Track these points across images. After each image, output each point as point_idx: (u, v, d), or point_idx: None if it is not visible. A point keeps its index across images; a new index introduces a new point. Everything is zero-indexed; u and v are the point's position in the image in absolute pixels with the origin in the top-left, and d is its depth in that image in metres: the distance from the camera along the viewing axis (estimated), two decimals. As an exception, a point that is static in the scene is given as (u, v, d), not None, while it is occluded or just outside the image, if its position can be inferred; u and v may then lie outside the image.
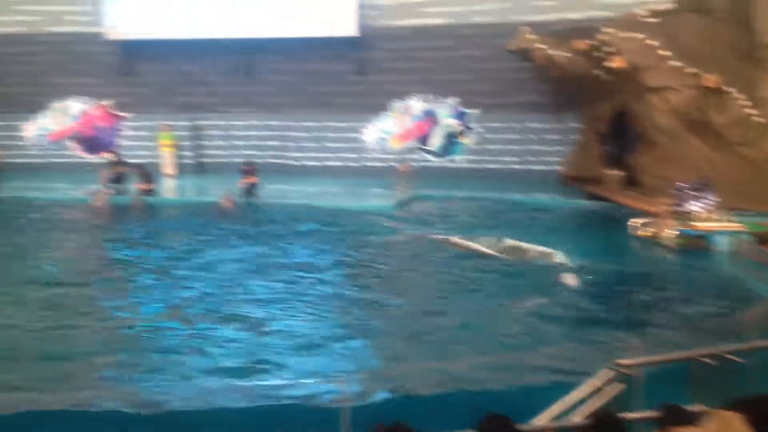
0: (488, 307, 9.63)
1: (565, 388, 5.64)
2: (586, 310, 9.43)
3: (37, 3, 23.33)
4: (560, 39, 18.81)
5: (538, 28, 19.54)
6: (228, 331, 8.69)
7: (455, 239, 13.27)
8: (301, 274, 11.32)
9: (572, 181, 19.44)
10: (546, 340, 8.11)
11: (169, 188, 20.22)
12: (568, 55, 18.04)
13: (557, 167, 20.25)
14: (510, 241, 12.74)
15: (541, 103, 20.94)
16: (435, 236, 13.83)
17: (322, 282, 10.97)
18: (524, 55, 19.39)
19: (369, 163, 21.98)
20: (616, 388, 5.73)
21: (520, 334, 8.42)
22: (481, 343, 8.23)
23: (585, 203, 17.46)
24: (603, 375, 5.82)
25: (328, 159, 22.24)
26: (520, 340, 8.19)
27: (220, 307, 9.61)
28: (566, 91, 19.85)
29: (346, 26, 22.04)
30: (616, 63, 16.64)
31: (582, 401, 5.53)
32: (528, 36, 18.95)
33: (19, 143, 22.70)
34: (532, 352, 7.35)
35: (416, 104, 21.49)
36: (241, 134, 22.81)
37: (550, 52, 18.46)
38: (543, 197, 18.02)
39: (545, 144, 21.00)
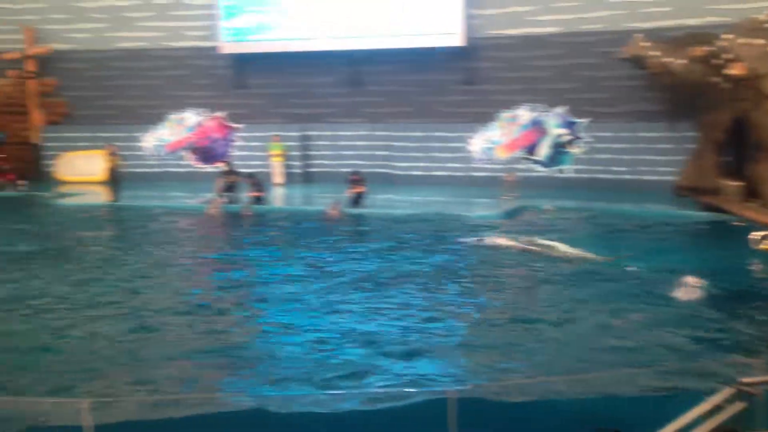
0: (602, 316, 9.44)
1: (686, 404, 5.45)
2: (706, 326, 9.06)
3: (158, 19, 24.43)
4: (675, 46, 18.23)
5: (651, 34, 19.02)
6: (340, 339, 8.77)
7: (507, 241, 13.81)
8: (407, 282, 11.34)
9: (687, 192, 18.74)
10: (665, 356, 7.85)
11: (278, 197, 20.72)
12: (684, 62, 17.46)
13: (670, 177, 19.57)
14: (544, 241, 13.46)
15: (654, 111, 20.32)
16: (487, 240, 14.10)
17: (428, 289, 10.96)
18: (637, 62, 18.89)
19: (475, 173, 21.89)
20: (737, 407, 5.51)
21: (639, 347, 8.19)
22: (599, 355, 8.05)
23: (700, 215, 16.80)
24: (724, 393, 5.61)
25: (434, 169, 22.26)
26: (639, 354, 7.96)
27: (331, 314, 9.73)
28: (681, 99, 19.18)
29: (452, 36, 22.05)
30: (735, 70, 16.00)
31: (702, 419, 5.35)
32: (642, 43, 18.46)
33: (139, 153, 23.87)
34: (651, 368, 7.13)
35: (524, 114, 21.35)
36: (348, 144, 23.15)
37: (665, 59, 17.92)
38: (656, 208, 17.45)
39: (658, 153, 20.34)
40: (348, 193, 18.09)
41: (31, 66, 24.54)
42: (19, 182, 22.53)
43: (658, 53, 18.16)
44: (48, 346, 8.56)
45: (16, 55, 24.29)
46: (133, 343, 8.69)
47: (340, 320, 9.48)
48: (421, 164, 22.38)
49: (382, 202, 18.67)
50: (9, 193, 21.89)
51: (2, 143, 23.72)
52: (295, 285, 11.24)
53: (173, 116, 23.82)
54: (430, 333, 8.91)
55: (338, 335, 8.85)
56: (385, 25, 22.46)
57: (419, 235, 15.05)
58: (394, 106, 23.27)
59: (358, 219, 17.26)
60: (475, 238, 14.25)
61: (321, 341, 8.65)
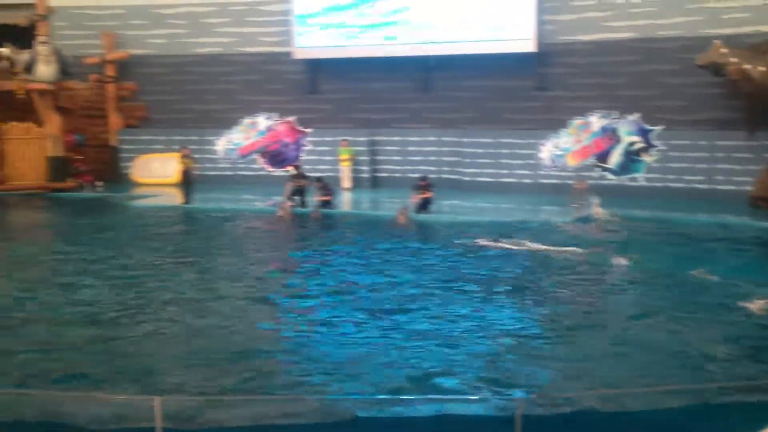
0: (675, 325, 9.27)
1: None
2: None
3: (234, 25, 24.95)
4: (754, 52, 17.71)
5: (730, 41, 18.51)
6: (409, 342, 8.78)
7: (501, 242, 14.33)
8: (472, 288, 11.28)
9: (762, 203, 18.16)
10: (737, 371, 7.64)
11: (346, 201, 20.88)
12: (764, 69, 16.94)
13: (748, 188, 18.98)
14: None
15: (732, 119, 19.75)
16: (482, 241, 14.46)
17: (497, 296, 10.88)
18: (715, 69, 18.41)
19: (544, 180, 21.64)
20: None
21: (720, 360, 8.05)
22: (679, 367, 7.92)
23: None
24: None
25: (502, 175, 22.09)
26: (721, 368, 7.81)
27: (400, 317, 9.74)
28: (760, 107, 18.61)
29: (524, 42, 21.88)
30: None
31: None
32: (721, 50, 17.98)
33: (212, 156, 24.38)
34: (727, 384, 6.98)
35: (596, 121, 21.02)
36: (416, 150, 23.19)
37: (744, 66, 17.42)
38: (731, 219, 16.93)
39: (735, 162, 19.75)
40: (414, 198, 18.09)
41: (110, 70, 25.33)
42: (97, 183, 23.28)
43: (736, 60, 17.68)
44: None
45: (96, 60, 25.11)
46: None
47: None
48: (490, 170, 22.24)
49: (448, 208, 18.63)
50: (87, 194, 22.62)
51: (81, 145, 24.54)
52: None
53: (246, 120, 24.26)
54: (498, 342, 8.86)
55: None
56: (458, 30, 22.45)
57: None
58: (463, 111, 23.24)
59: (426, 225, 17.25)
60: (470, 241, 14.59)
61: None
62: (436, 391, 7.19)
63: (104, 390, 7.12)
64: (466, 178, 22.45)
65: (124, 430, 6.24)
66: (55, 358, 8.28)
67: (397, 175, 23.13)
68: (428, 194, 18.15)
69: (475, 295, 10.94)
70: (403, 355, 8.29)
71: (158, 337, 9.10)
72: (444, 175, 22.30)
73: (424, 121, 23.69)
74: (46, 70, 22.70)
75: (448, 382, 7.46)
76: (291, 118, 23.91)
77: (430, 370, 7.80)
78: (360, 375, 7.72)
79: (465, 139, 22.56)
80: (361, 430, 6.45)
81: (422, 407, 6.65)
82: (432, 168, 22.14)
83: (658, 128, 20.51)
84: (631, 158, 20.78)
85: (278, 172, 23.67)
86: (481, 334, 9.05)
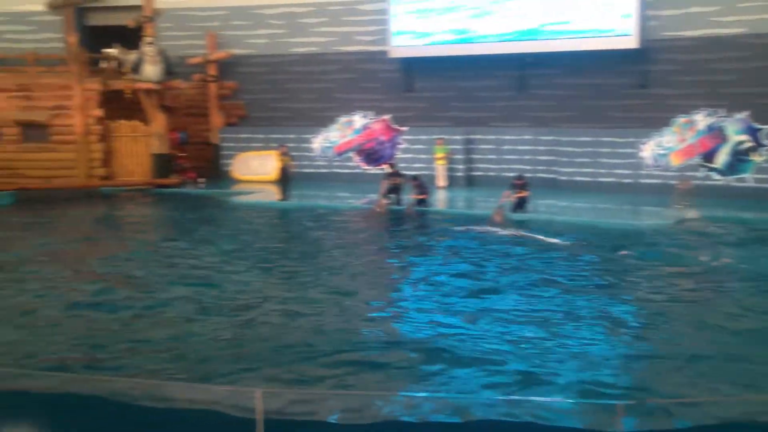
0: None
1: None
2: None
3: (331, 25, 25.26)
4: None
5: None
6: (504, 344, 8.67)
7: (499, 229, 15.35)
8: (574, 290, 11.04)
9: None
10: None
11: (441, 199, 20.82)
12: None
13: None
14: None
15: None
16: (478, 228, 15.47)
17: (593, 298, 10.62)
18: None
19: (645, 180, 20.98)
20: None
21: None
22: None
23: None
24: None
25: (600, 175, 21.55)
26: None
27: (498, 318, 9.65)
28: None
29: (626, 38, 21.30)
30: None
31: None
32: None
33: (308, 154, 24.75)
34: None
35: (702, 119, 20.24)
36: (511, 148, 22.90)
37: None
38: None
39: None
40: (506, 197, 17.80)
41: (212, 70, 26.07)
42: (199, 180, 24.00)
43: None
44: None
45: (199, 60, 25.89)
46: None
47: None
48: (588, 170, 21.73)
49: (544, 208, 18.32)
50: (189, 190, 23.35)
51: (184, 143, 25.34)
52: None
53: (342, 119, 24.52)
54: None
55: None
56: (556, 27, 22.06)
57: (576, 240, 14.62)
58: (561, 109, 22.82)
59: (521, 224, 17.01)
60: (464, 227, 15.69)
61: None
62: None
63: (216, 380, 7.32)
64: (563, 178, 22.01)
65: (226, 418, 6.37)
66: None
67: (492, 173, 22.90)
68: (524, 193, 17.88)
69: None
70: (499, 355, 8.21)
71: (277, 328, 9.32)
72: (540, 174, 21.94)
73: (520, 119, 23.38)
74: (152, 70, 23.54)
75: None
76: (386, 117, 24.01)
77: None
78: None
79: (562, 138, 22.12)
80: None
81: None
82: (527, 167, 21.81)
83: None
84: (739, 158, 19.92)
85: (373, 170, 23.83)
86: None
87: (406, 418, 6.46)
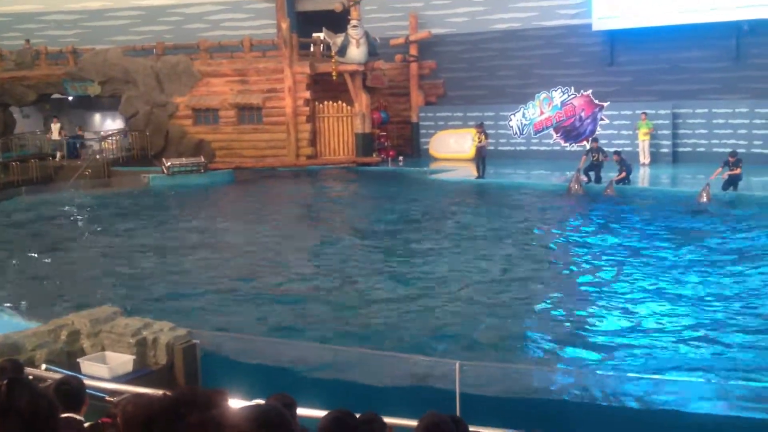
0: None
1: None
2: None
3: (532, 0, 24.95)
4: None
5: None
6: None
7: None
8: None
9: None
10: None
11: (643, 177, 20.06)
12: None
13: None
14: None
15: None
16: None
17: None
18: None
19: None
20: None
21: None
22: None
23: None
24: None
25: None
26: None
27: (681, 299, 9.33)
28: None
29: None
30: None
31: None
32: None
33: (506, 132, 24.70)
34: None
35: None
36: (723, 122, 21.55)
37: None
38: None
39: None
40: (718, 175, 16.78)
41: (413, 50, 26.63)
42: (399, 158, 24.74)
43: None
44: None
45: (401, 41, 26.52)
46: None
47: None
48: (812, 145, 20.02)
49: (760, 186, 17.13)
50: (390, 167, 24.13)
51: (385, 122, 26.16)
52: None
53: (541, 95, 24.20)
54: None
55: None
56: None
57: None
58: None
59: (733, 203, 16.06)
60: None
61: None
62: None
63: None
64: (783, 154, 20.44)
65: (426, 389, 6.72)
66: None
67: (701, 149, 21.70)
68: (737, 171, 16.80)
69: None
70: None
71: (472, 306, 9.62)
72: (755, 149, 20.51)
73: (736, 91, 21.91)
74: (357, 52, 24.43)
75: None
76: (587, 92, 23.40)
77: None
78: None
79: (783, 111, 20.51)
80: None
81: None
82: (742, 142, 20.46)
83: None
84: None
85: (572, 147, 23.36)
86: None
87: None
